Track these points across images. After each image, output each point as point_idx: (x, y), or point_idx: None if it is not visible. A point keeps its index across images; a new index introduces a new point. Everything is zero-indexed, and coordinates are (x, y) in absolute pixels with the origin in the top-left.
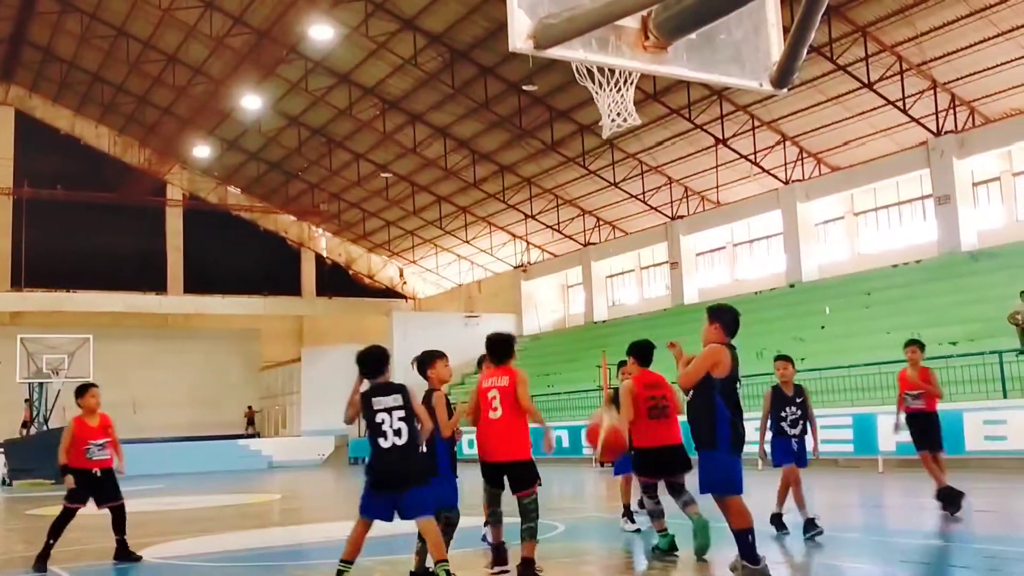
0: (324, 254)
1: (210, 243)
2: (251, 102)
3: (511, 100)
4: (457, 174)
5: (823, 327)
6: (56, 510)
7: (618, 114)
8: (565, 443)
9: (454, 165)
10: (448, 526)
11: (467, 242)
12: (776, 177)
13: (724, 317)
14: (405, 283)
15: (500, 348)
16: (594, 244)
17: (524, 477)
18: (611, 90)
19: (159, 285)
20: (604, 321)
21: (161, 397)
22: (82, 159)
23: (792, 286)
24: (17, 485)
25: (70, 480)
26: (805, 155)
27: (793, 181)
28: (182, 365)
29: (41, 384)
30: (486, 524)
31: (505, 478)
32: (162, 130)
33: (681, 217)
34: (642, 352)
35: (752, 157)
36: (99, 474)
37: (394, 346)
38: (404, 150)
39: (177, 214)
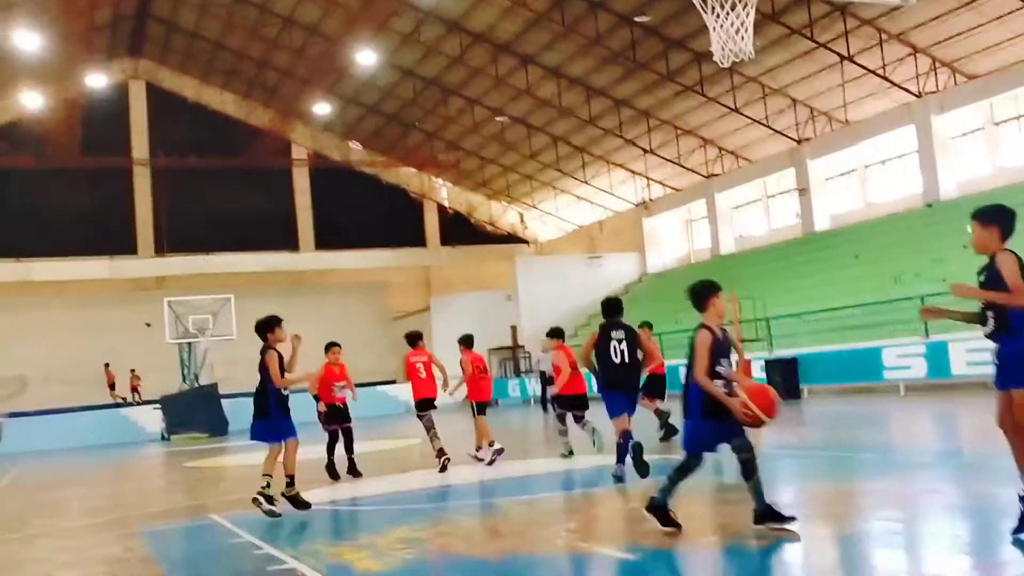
0: (446, 204)
1: (336, 199)
2: (366, 57)
3: (623, 33)
4: (572, 112)
5: (965, 247)
6: (209, 462)
7: (731, 40)
8: None
9: (568, 104)
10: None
11: (586, 182)
12: (907, 91)
13: (1001, 219)
14: (526, 228)
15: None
16: (717, 175)
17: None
18: (727, 15)
19: (291, 243)
20: (731, 254)
21: (301, 351)
22: (210, 125)
23: (930, 206)
24: (175, 439)
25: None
26: (938, 65)
27: (926, 93)
28: (318, 319)
29: (189, 344)
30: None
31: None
32: (284, 91)
33: (807, 140)
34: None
35: (881, 71)
36: (340, 406)
37: (519, 290)
38: (517, 92)
39: (303, 173)
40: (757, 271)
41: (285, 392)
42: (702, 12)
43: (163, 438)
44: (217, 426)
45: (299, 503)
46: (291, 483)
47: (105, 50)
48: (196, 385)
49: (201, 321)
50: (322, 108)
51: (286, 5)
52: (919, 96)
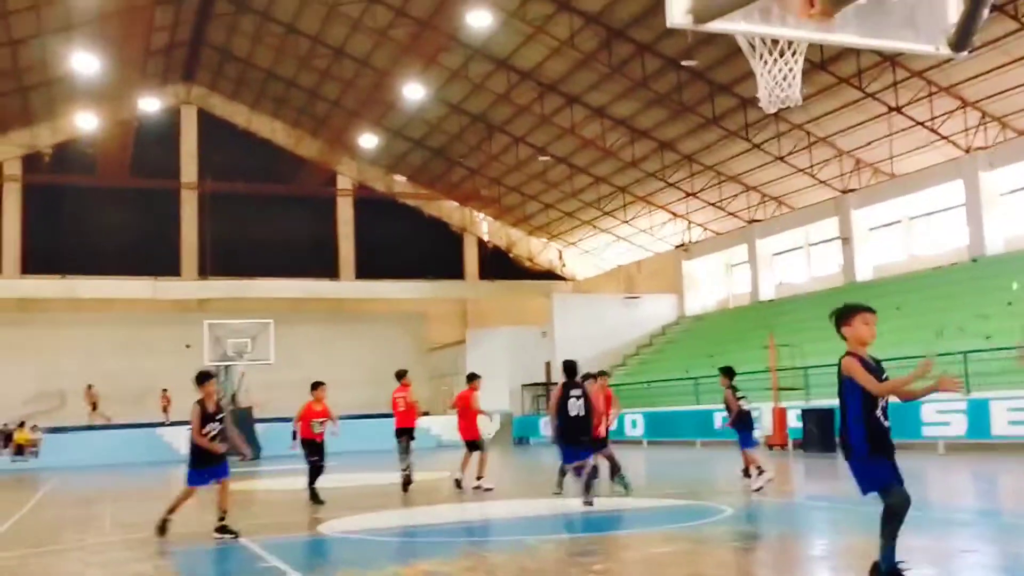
0: (486, 238)
1: (378, 230)
2: (414, 91)
3: (669, 76)
4: (615, 154)
5: (1010, 304)
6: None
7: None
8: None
9: (612, 144)
10: None
11: (626, 222)
12: (956, 145)
13: None
14: (565, 265)
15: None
16: (759, 221)
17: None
18: (775, 62)
19: (332, 271)
20: (771, 300)
21: (337, 377)
22: (259, 152)
23: (975, 260)
24: None
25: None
26: (988, 120)
27: (975, 149)
28: (356, 347)
29: (227, 367)
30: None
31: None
32: (332, 122)
33: (852, 190)
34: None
35: (929, 124)
36: (318, 442)
37: (555, 327)
38: (562, 132)
39: (347, 203)
40: (796, 319)
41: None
42: (749, 58)
43: None
44: (251, 450)
45: (227, 532)
46: (223, 518)
47: (159, 74)
48: (231, 408)
49: (240, 344)
50: (369, 140)
51: (338, 37)
52: (967, 151)
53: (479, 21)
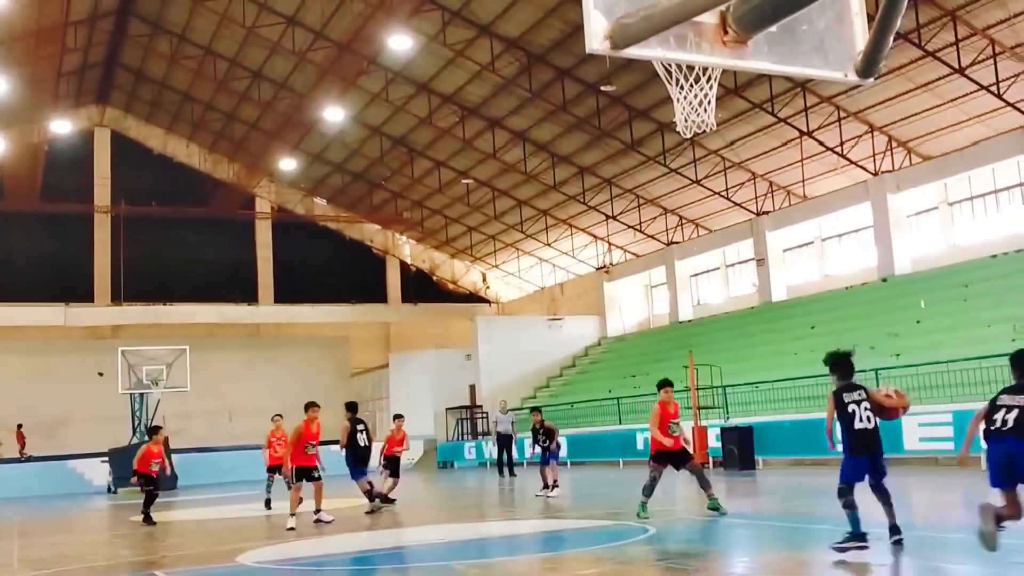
0: (408, 261)
1: (298, 253)
2: (334, 114)
3: (589, 101)
4: (537, 177)
5: (919, 321)
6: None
7: (694, 112)
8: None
9: (533, 169)
10: None
11: (548, 245)
12: (864, 168)
13: None
14: (488, 287)
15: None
16: (677, 243)
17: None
18: (691, 88)
19: (251, 295)
20: (689, 321)
21: (256, 404)
22: (175, 176)
23: (884, 280)
24: (121, 492)
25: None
26: (894, 145)
27: (883, 172)
28: (275, 373)
29: (142, 395)
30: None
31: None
32: (250, 145)
33: (767, 213)
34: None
35: (839, 149)
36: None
37: (479, 350)
38: (484, 156)
39: (266, 226)
40: (714, 338)
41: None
42: (666, 84)
43: (110, 491)
44: (166, 480)
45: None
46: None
47: (72, 96)
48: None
49: (155, 372)
50: (288, 163)
51: (256, 59)
52: (876, 174)
53: (399, 45)
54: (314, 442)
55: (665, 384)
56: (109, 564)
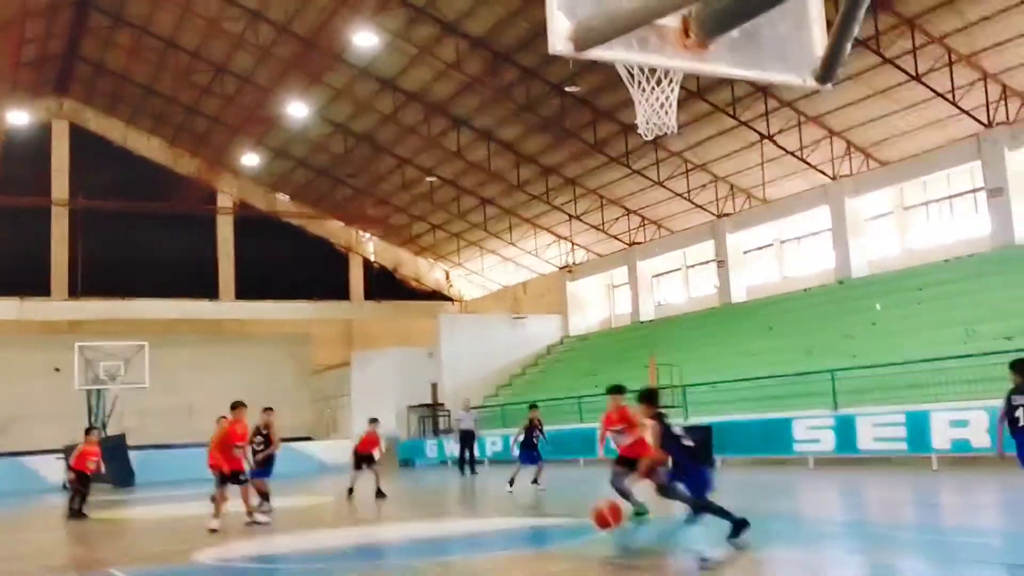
0: (371, 258)
1: (260, 249)
2: (298, 110)
3: (553, 101)
4: (501, 176)
5: (874, 324)
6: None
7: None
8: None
9: (498, 168)
10: None
11: (512, 244)
12: (823, 173)
13: None
14: (451, 286)
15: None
16: (639, 244)
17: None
18: (653, 90)
19: (211, 292)
20: (651, 320)
21: (216, 401)
22: (135, 169)
23: (841, 283)
24: None
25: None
26: (853, 150)
27: (841, 176)
28: (236, 370)
29: (99, 391)
30: None
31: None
32: (212, 139)
33: (727, 215)
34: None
35: (798, 153)
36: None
37: (442, 348)
38: (448, 154)
39: (228, 221)
40: (675, 338)
41: None
42: (628, 86)
43: (65, 488)
44: (124, 478)
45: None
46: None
47: (30, 87)
48: (104, 435)
49: (113, 368)
50: (250, 158)
51: (219, 53)
52: (834, 178)
53: (365, 41)
54: (240, 443)
55: (609, 391)
56: (64, 563)
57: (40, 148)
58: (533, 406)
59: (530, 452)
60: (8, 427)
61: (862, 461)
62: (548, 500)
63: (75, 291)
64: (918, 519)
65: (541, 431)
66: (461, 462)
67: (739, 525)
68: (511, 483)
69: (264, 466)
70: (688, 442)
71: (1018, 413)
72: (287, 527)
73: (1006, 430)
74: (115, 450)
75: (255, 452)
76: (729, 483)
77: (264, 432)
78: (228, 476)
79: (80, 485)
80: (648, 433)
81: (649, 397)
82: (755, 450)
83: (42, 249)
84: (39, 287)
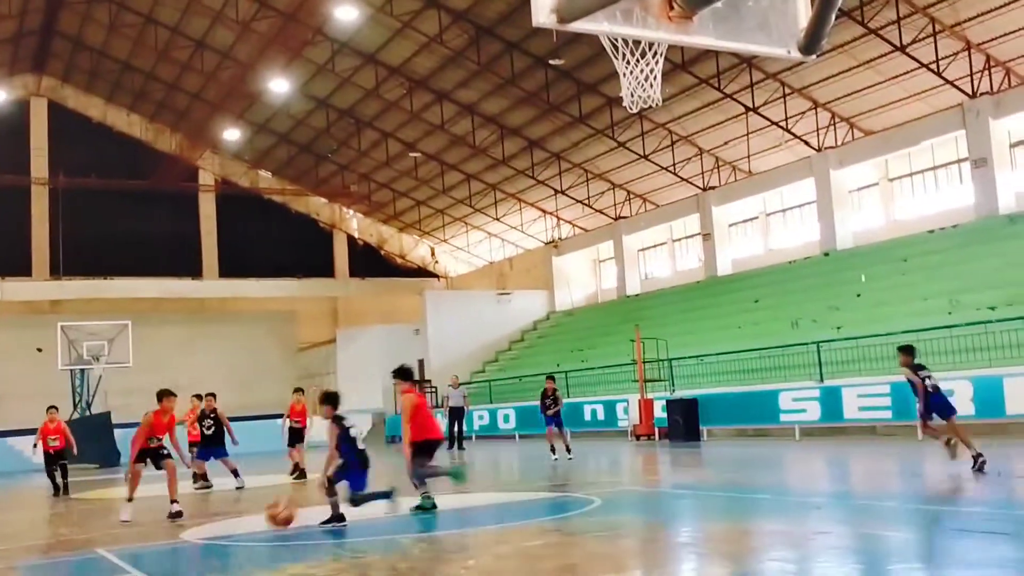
0: (356, 235)
1: (243, 227)
2: (279, 85)
3: (538, 75)
4: (485, 151)
5: (859, 295)
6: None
7: (640, 87)
8: (600, 416)
9: (482, 142)
10: None
11: (497, 219)
12: (808, 144)
13: None
14: (437, 262)
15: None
16: (625, 218)
17: None
18: (637, 63)
19: (195, 270)
20: (637, 295)
21: (201, 380)
22: (115, 147)
23: (827, 254)
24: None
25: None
26: (837, 121)
27: (826, 148)
28: (221, 348)
29: (83, 371)
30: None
31: None
32: (192, 116)
33: (713, 188)
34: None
35: (783, 124)
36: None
37: (428, 324)
38: (432, 128)
39: (210, 199)
40: (661, 312)
41: None
42: (613, 58)
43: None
44: (109, 457)
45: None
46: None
47: (6, 64)
48: (88, 414)
49: (96, 347)
50: (232, 135)
51: (198, 28)
52: (819, 150)
53: (346, 15)
54: (160, 437)
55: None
56: (48, 543)
57: (18, 126)
58: (549, 377)
59: (547, 418)
60: None
61: (847, 430)
62: (535, 475)
63: (56, 271)
64: (902, 488)
65: (553, 400)
66: (450, 438)
67: (387, 495)
68: (552, 451)
69: (218, 446)
70: (362, 446)
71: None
72: (258, 507)
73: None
74: (100, 429)
75: (204, 434)
76: (715, 455)
77: (211, 415)
78: (148, 455)
79: (47, 464)
80: (327, 434)
81: (330, 400)
82: (741, 420)
83: (22, 229)
84: (20, 267)
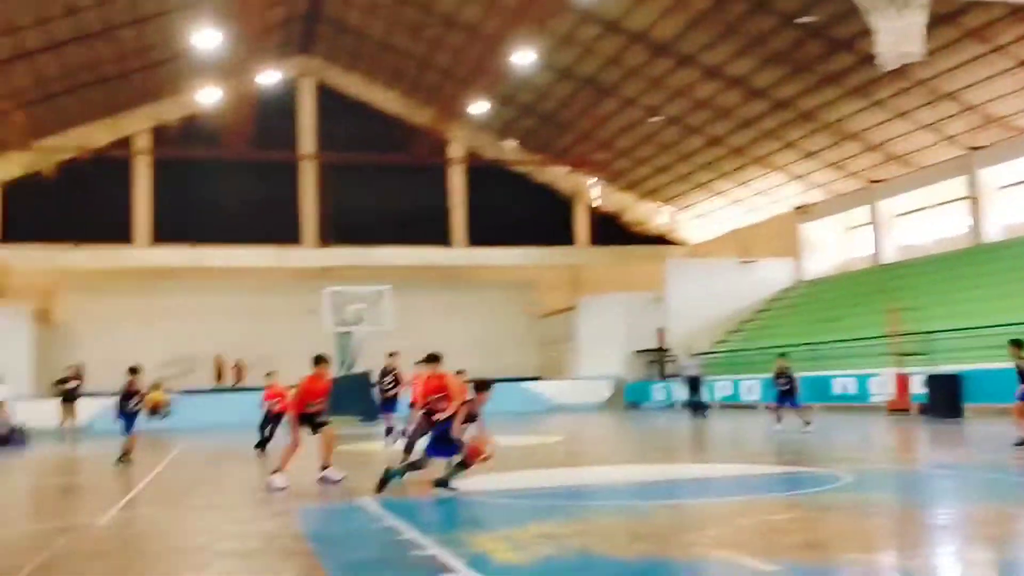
0: (597, 203)
1: (489, 197)
2: (524, 57)
3: (786, 34)
4: (730, 114)
5: None
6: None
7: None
8: (852, 390)
9: (726, 104)
10: None
11: (742, 184)
12: None
13: None
14: (677, 229)
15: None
16: (881, 181)
17: None
18: (895, 16)
19: (445, 239)
20: (893, 263)
21: (451, 343)
22: (374, 123)
23: None
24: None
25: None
26: None
27: None
28: (469, 314)
29: (347, 333)
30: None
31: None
32: (443, 91)
33: (981, 147)
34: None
35: None
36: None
37: (668, 292)
38: (674, 93)
39: (459, 171)
40: (920, 282)
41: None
42: (868, 13)
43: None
44: (368, 412)
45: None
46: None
47: (277, 48)
48: (351, 372)
49: (358, 311)
50: (479, 107)
51: (448, 5)
52: None
53: None
54: (315, 402)
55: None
56: (318, 491)
57: (288, 105)
58: (782, 355)
59: (781, 397)
60: (267, 364)
61: None
62: (784, 448)
63: (324, 239)
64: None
65: (787, 378)
66: (691, 405)
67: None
68: (779, 420)
69: (391, 403)
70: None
71: None
72: (520, 465)
73: None
74: (361, 387)
75: (383, 392)
76: (975, 434)
77: (392, 372)
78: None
79: (263, 424)
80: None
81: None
82: (1009, 398)
83: (293, 201)
84: (292, 236)
